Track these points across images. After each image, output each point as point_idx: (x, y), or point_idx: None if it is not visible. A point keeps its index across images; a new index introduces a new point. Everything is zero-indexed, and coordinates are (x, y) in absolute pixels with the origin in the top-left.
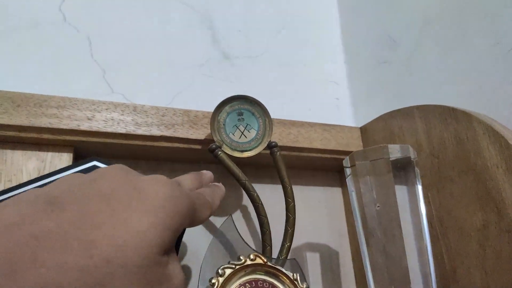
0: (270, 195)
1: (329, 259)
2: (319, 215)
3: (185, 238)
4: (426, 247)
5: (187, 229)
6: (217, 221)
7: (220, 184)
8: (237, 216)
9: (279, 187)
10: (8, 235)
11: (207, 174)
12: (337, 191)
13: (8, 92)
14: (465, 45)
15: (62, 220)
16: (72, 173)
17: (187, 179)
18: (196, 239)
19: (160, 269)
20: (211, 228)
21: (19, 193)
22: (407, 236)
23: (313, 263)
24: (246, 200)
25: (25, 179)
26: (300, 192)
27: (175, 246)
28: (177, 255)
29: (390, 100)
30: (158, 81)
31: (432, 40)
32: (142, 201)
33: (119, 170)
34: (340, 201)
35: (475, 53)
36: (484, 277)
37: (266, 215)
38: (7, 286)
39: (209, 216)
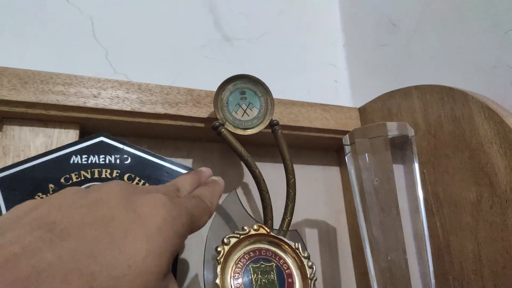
0: (271, 173)
1: (327, 235)
2: (317, 193)
3: None
4: (422, 221)
5: None
6: (221, 197)
7: (219, 179)
8: (239, 192)
9: (280, 165)
10: (10, 268)
11: (207, 172)
12: (335, 170)
13: (16, 69)
14: (463, 27)
15: (62, 251)
16: (71, 188)
17: (186, 183)
18: None
19: None
20: None
21: (30, 166)
22: (404, 211)
23: (311, 239)
24: (247, 177)
25: (32, 154)
26: (300, 171)
27: (173, 264)
28: (175, 273)
29: (389, 83)
30: (160, 62)
31: (431, 23)
32: (140, 226)
33: (119, 191)
34: (338, 179)
35: (473, 35)
36: (476, 248)
37: (267, 190)
38: None
39: (207, 220)
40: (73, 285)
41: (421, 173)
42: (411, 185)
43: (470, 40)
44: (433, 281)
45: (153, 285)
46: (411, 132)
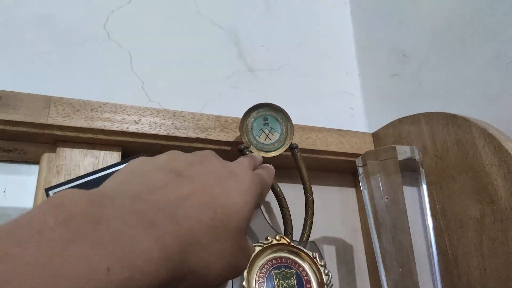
0: (291, 193)
1: (344, 253)
2: (334, 213)
3: None
4: (431, 238)
5: None
6: None
7: (270, 166)
8: (263, 209)
9: (298, 186)
10: (159, 195)
11: (258, 157)
12: (351, 191)
13: (70, 99)
14: (469, 58)
15: (193, 189)
16: (174, 151)
17: (249, 163)
18: None
19: (245, 239)
20: None
21: (79, 183)
22: (414, 228)
23: (329, 256)
24: (270, 197)
25: (82, 173)
26: (318, 192)
27: None
28: None
29: (401, 109)
30: (190, 92)
31: (439, 54)
32: (237, 182)
33: (213, 155)
34: (354, 200)
35: (477, 65)
36: (481, 261)
37: (288, 207)
38: (145, 237)
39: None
40: (203, 215)
41: (430, 192)
42: (420, 204)
43: (475, 70)
44: None
45: (245, 230)
46: (418, 154)
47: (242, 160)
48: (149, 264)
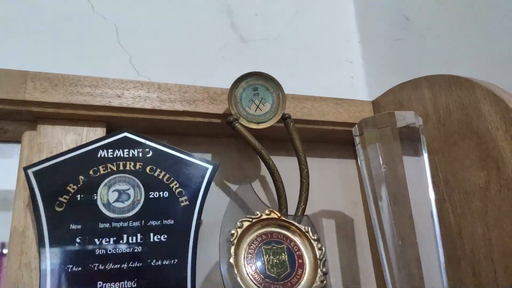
0: (286, 166)
1: (344, 226)
2: (334, 185)
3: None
4: (432, 209)
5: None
6: (235, 188)
7: None
8: (257, 185)
9: (293, 159)
10: None
11: None
12: (351, 163)
13: (47, 73)
14: (475, 19)
15: None
16: None
17: None
18: (215, 202)
19: None
20: (229, 192)
21: (61, 160)
22: (415, 199)
23: (329, 230)
24: (264, 171)
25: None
26: (316, 164)
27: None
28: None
29: (404, 76)
30: (181, 65)
31: (445, 17)
32: None
33: None
34: (354, 172)
35: (484, 26)
36: (486, 231)
37: (281, 180)
38: None
39: None
40: None
41: (432, 161)
42: (421, 174)
43: (481, 31)
44: (443, 263)
45: None
46: (419, 121)
47: None
48: None
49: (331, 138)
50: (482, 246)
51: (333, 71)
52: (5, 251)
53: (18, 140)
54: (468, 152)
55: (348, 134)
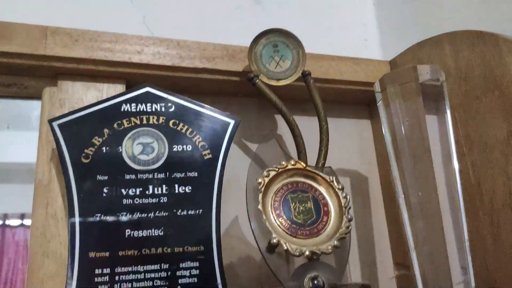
0: (304, 126)
1: (359, 185)
2: (349, 145)
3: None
4: (453, 164)
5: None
6: (254, 146)
7: None
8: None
9: (310, 119)
10: None
11: None
12: (366, 123)
13: (67, 29)
14: None
15: None
16: None
17: None
18: (233, 160)
19: None
20: (247, 150)
21: (84, 114)
22: (436, 154)
23: (344, 188)
24: (282, 129)
25: None
26: (332, 124)
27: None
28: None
29: (420, 36)
30: (193, 26)
31: None
32: None
33: None
34: (369, 132)
35: None
36: (507, 182)
37: (301, 136)
38: None
39: None
40: None
41: (453, 117)
42: (443, 129)
43: None
44: (463, 215)
45: None
46: (442, 75)
47: None
48: None
49: (347, 98)
50: (501, 196)
51: (346, 34)
52: (7, 222)
53: (38, 97)
54: (490, 106)
55: (365, 94)
